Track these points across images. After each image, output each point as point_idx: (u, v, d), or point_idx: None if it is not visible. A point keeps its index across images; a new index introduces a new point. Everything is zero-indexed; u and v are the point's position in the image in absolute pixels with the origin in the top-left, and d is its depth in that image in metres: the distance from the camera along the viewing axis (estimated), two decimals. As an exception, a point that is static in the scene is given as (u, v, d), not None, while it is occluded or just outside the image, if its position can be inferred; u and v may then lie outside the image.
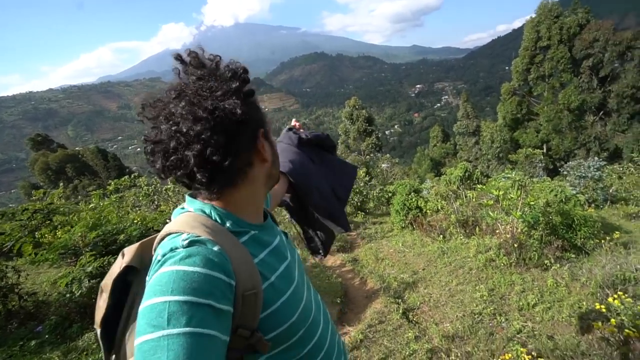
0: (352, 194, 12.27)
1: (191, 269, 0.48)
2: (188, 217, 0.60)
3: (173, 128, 0.54)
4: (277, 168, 0.72)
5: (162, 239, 0.58)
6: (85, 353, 2.65)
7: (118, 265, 0.62)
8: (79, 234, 2.87)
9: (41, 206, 3.28)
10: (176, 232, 0.57)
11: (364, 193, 13.00)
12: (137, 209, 6.26)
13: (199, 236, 0.54)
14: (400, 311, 3.35)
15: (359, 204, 12.43)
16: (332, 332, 0.76)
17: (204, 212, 0.62)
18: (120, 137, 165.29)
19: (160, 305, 0.44)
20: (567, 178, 10.03)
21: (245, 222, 0.65)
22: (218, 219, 0.61)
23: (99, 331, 0.61)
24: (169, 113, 0.56)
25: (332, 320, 0.81)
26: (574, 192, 6.97)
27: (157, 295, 0.46)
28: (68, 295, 2.78)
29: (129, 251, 0.64)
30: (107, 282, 0.62)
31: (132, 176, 9.38)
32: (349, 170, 1.10)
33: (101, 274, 3.02)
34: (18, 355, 2.70)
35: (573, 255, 4.30)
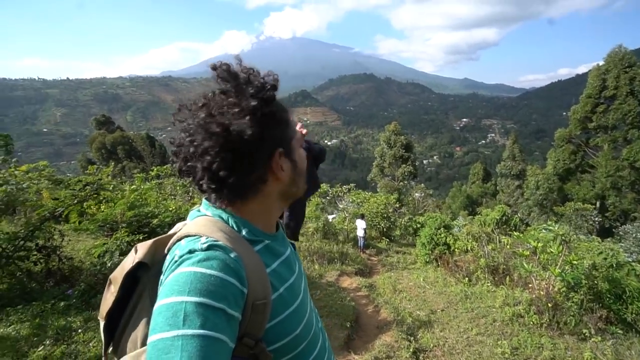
0: (380, 219, 12.00)
1: (208, 271, 0.49)
2: (207, 221, 0.61)
3: (188, 138, 0.57)
4: (299, 186, 0.70)
5: (179, 239, 0.59)
6: (102, 324, 2.81)
7: (130, 260, 0.63)
8: (119, 210, 3.12)
9: (92, 180, 3.62)
10: (194, 235, 0.57)
11: (392, 220, 12.65)
12: (172, 197, 6.63)
13: (217, 241, 0.55)
14: (411, 350, 3.16)
15: (385, 229, 12.10)
16: (328, 349, 0.77)
17: (222, 218, 0.62)
18: (170, 128, 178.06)
19: (177, 305, 0.45)
20: (622, 242, 9.03)
21: (260, 231, 0.65)
22: (235, 226, 0.62)
23: (102, 323, 0.62)
24: (189, 122, 0.59)
25: (327, 336, 0.81)
26: (630, 259, 6.25)
27: (174, 294, 0.47)
28: (98, 266, 3.00)
29: (143, 247, 0.64)
30: (117, 275, 0.62)
31: (174, 166, 9.99)
32: (316, 185, 1.10)
33: (128, 251, 3.22)
34: (49, 312, 2.95)
35: (620, 331, 3.82)
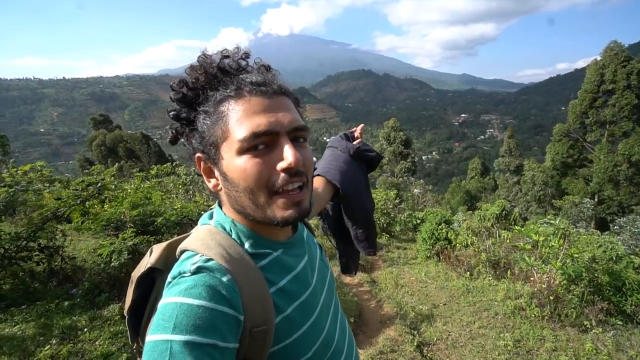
0: (379, 215, 12.03)
1: (196, 302, 0.44)
2: (207, 233, 0.56)
3: None
4: (244, 206, 0.55)
5: (181, 253, 0.55)
6: (108, 322, 2.83)
7: (145, 262, 0.60)
8: (124, 209, 3.11)
9: (94, 180, 3.61)
10: (192, 251, 0.53)
11: (392, 215, 12.69)
12: (175, 195, 6.64)
13: (210, 260, 0.50)
14: (415, 344, 3.19)
15: (385, 225, 12.14)
16: None
17: (224, 228, 0.57)
18: (167, 127, 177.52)
19: (162, 345, 0.41)
20: (620, 235, 9.10)
21: (268, 240, 0.59)
22: (237, 239, 0.56)
23: (127, 318, 0.61)
24: None
25: (356, 348, 0.73)
26: (628, 252, 6.30)
27: (159, 331, 0.42)
28: (102, 265, 3.00)
29: (156, 250, 0.61)
30: (134, 275, 0.60)
31: (174, 164, 10.00)
32: (372, 203, 1.04)
33: (134, 251, 3.23)
34: (53, 312, 2.95)
35: (620, 322, 3.86)
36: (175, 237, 0.64)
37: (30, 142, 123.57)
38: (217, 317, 0.44)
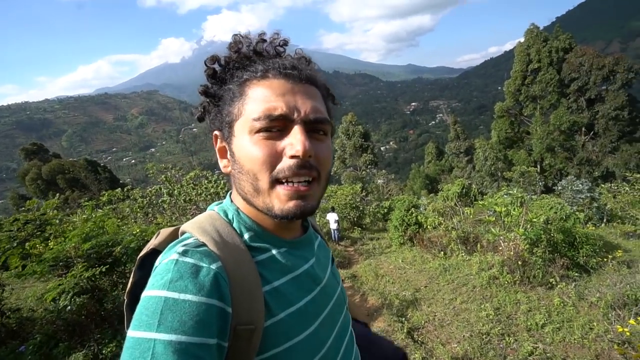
0: (349, 209, 12.20)
1: (182, 297, 0.41)
2: (207, 217, 0.54)
3: None
4: (244, 189, 0.52)
5: (182, 234, 0.54)
6: (71, 375, 2.47)
7: (149, 244, 0.58)
8: (73, 244, 2.73)
9: (33, 217, 3.15)
10: (188, 233, 0.51)
11: (361, 208, 12.95)
12: (133, 221, 6.11)
13: (202, 245, 0.47)
14: (405, 330, 3.23)
15: (355, 219, 12.35)
16: None
17: (226, 215, 0.55)
18: (115, 149, 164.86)
19: (145, 343, 0.38)
20: (563, 196, 10.13)
21: (271, 235, 0.55)
22: (237, 228, 0.53)
23: (125, 302, 0.56)
24: None
25: None
26: (572, 208, 6.99)
27: (142, 327, 0.39)
28: (56, 311, 2.61)
29: (163, 234, 0.58)
30: (139, 257, 0.57)
31: (125, 189, 9.21)
32: None
33: (93, 288, 2.86)
34: (-2, 377, 2.51)
35: (577, 274, 4.24)
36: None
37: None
38: (204, 311, 0.41)
